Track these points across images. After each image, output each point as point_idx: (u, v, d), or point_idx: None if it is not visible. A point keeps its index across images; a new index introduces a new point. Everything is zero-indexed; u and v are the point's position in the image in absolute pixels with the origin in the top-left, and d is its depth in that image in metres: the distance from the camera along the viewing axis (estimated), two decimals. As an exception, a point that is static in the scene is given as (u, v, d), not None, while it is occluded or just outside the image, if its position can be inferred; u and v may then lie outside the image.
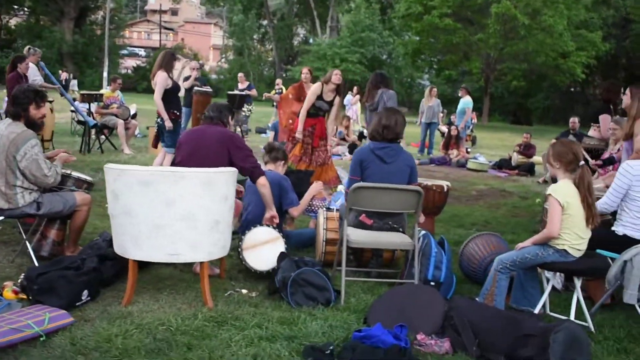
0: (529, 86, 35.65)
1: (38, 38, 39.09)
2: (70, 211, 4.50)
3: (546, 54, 28.25)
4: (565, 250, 3.64)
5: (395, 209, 4.11)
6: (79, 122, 11.14)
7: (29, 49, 10.18)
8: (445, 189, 5.50)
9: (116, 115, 11.26)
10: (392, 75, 36.06)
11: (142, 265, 4.36)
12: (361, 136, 14.95)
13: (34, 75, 9.79)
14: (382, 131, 4.33)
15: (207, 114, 4.34)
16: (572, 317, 3.67)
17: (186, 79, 12.66)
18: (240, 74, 14.92)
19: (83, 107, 11.12)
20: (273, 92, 15.74)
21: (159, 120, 7.86)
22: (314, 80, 9.37)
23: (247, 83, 14.15)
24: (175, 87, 8.23)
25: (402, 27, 30.95)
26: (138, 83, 41.99)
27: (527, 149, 12.83)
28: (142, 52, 64.74)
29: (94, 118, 10.85)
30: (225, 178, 3.81)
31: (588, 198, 3.60)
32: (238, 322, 3.56)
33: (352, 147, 13.64)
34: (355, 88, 19.04)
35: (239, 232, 5.42)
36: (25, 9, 43.77)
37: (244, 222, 5.24)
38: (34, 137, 4.28)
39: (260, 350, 3.18)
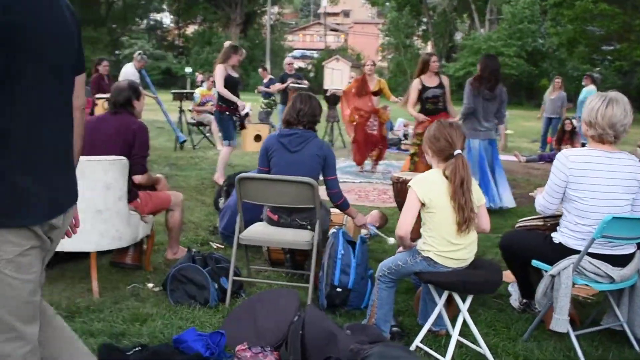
0: None
1: (208, 44, 42.06)
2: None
3: None
4: (430, 258, 2.99)
5: (286, 202, 3.69)
6: (189, 123, 11.63)
7: (138, 54, 10.68)
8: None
9: (211, 113, 11.65)
10: (556, 68, 33.44)
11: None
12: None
13: (129, 75, 10.10)
14: (296, 115, 3.92)
15: (111, 105, 4.14)
16: (453, 340, 2.99)
17: (282, 78, 12.76)
18: (260, 69, 14.21)
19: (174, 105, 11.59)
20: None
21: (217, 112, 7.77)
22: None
23: (268, 77, 13.54)
24: (234, 81, 8.19)
25: (554, 16, 28.42)
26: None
27: (652, 146, 11.11)
28: (315, 54, 66.98)
29: (184, 114, 11.25)
30: (103, 167, 3.69)
31: (460, 197, 2.88)
32: (92, 314, 3.43)
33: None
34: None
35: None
36: (200, 17, 47.38)
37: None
38: None
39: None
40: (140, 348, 2.89)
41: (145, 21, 49.60)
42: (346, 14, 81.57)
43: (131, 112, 4.12)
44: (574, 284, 3.11)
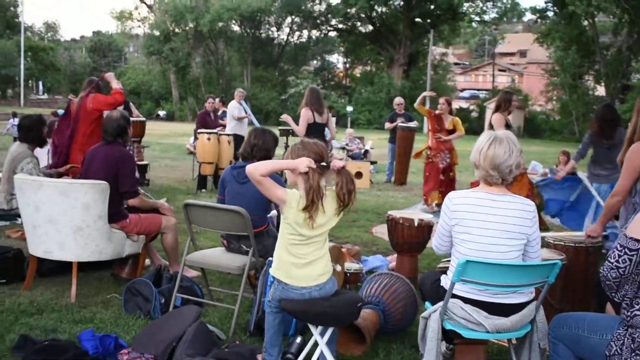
0: None
1: (370, 84, 43.30)
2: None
3: None
4: (280, 280, 3.10)
5: (223, 229, 4.04)
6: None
7: (237, 90, 11.83)
8: (416, 224, 4.90)
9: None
10: None
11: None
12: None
13: (233, 109, 11.20)
14: (250, 150, 4.26)
15: (104, 135, 4.72)
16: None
17: (391, 118, 12.97)
18: (217, 99, 12.39)
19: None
20: None
21: None
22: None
23: (222, 110, 12.40)
24: (318, 126, 8.27)
25: None
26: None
27: None
28: (482, 95, 65.71)
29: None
30: (83, 189, 4.31)
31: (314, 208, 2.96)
32: (52, 314, 4.04)
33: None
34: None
35: None
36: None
37: None
38: (30, 156, 5.36)
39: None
40: (48, 341, 3.40)
41: (315, 62, 52.37)
42: (522, 53, 79.07)
43: (124, 140, 4.72)
44: (443, 328, 3.09)
